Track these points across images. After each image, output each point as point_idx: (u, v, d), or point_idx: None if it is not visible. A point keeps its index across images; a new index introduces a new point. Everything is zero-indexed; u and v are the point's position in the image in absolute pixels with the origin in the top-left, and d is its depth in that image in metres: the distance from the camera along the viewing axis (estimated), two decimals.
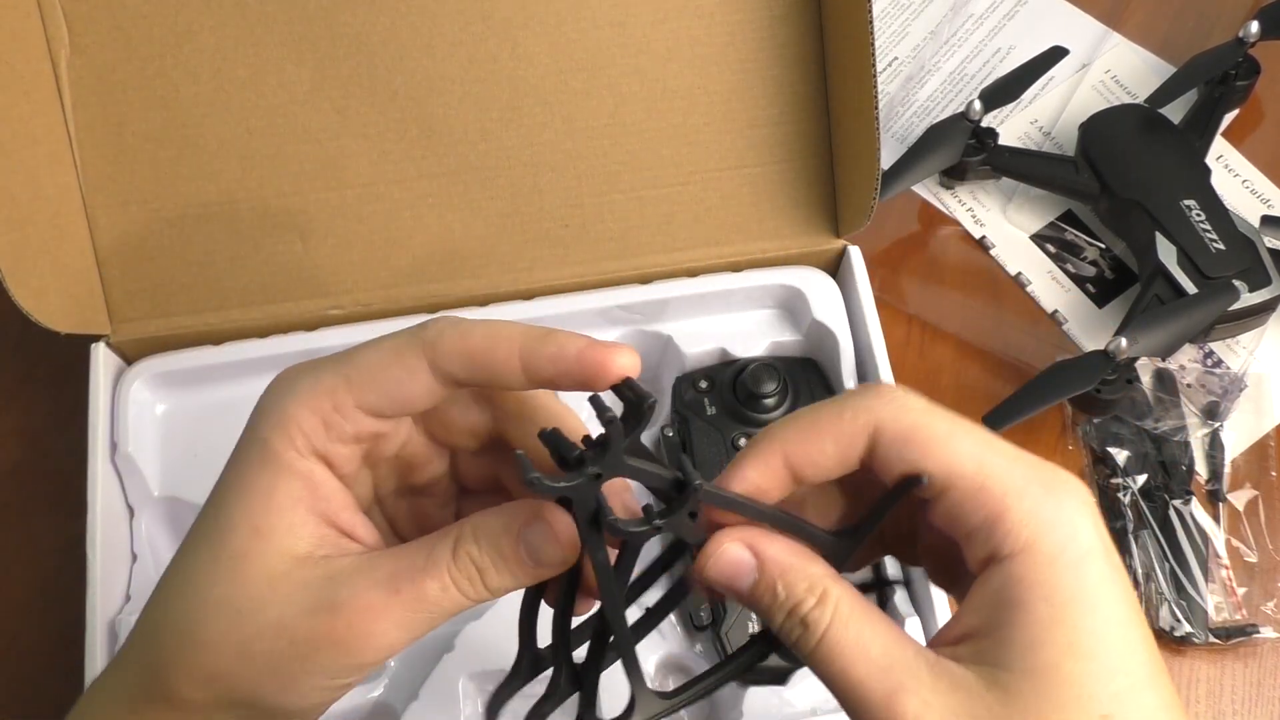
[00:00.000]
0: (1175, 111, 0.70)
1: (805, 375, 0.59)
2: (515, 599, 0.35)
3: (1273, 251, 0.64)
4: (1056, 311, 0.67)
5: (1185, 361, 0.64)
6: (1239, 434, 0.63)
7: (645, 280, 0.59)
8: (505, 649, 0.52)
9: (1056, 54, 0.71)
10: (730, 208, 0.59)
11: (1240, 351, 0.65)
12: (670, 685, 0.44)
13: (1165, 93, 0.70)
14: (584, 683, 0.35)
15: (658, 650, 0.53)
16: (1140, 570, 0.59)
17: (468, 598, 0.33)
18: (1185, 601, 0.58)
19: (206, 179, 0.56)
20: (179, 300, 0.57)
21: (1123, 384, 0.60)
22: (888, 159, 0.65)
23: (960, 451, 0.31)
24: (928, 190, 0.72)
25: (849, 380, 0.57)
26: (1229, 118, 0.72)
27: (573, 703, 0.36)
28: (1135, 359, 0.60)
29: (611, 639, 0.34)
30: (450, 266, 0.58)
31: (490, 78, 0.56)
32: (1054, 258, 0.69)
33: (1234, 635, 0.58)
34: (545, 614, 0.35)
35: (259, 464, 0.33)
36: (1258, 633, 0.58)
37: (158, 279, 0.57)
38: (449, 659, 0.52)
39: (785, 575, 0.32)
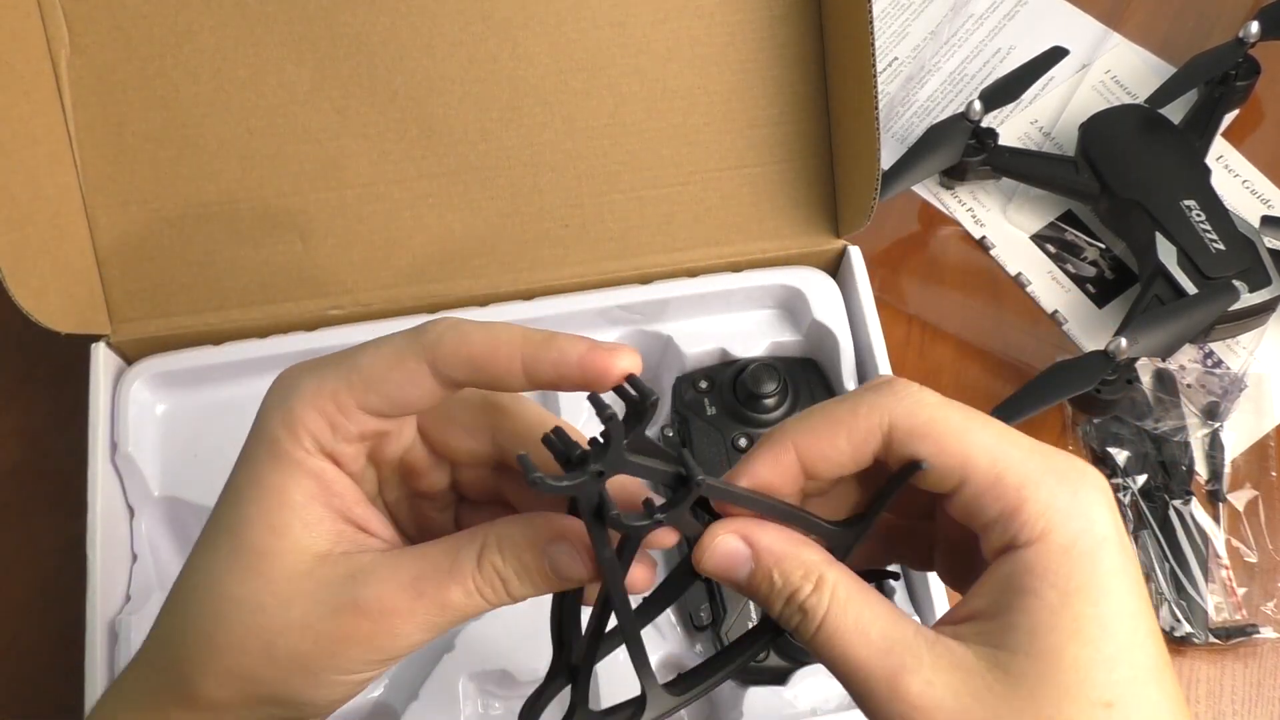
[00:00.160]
0: (1175, 111, 0.70)
1: (805, 375, 0.59)
2: None
3: (1273, 251, 0.64)
4: (1056, 311, 0.68)
5: (1185, 362, 0.64)
6: (1239, 434, 0.63)
7: (645, 280, 0.59)
8: (505, 649, 0.52)
9: (1056, 54, 0.71)
10: (730, 208, 0.59)
11: (1240, 352, 0.65)
12: None
13: (1165, 93, 0.70)
14: (578, 675, 0.35)
15: (658, 650, 0.53)
16: (1140, 570, 0.59)
17: (490, 603, 0.33)
18: (1185, 601, 0.58)
19: (206, 179, 0.56)
20: (179, 300, 0.57)
21: (1123, 384, 0.60)
22: (888, 159, 0.65)
23: (976, 444, 0.31)
24: (928, 190, 0.72)
25: (849, 380, 0.57)
26: (1229, 118, 0.72)
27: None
28: (1135, 359, 0.60)
29: (609, 630, 0.35)
30: (450, 266, 0.58)
31: (490, 78, 0.56)
32: (1054, 258, 0.69)
33: (1234, 635, 0.58)
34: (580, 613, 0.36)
35: (270, 462, 0.33)
36: (1258, 633, 0.58)
37: (158, 279, 0.57)
38: (449, 659, 0.52)
39: (780, 563, 0.32)
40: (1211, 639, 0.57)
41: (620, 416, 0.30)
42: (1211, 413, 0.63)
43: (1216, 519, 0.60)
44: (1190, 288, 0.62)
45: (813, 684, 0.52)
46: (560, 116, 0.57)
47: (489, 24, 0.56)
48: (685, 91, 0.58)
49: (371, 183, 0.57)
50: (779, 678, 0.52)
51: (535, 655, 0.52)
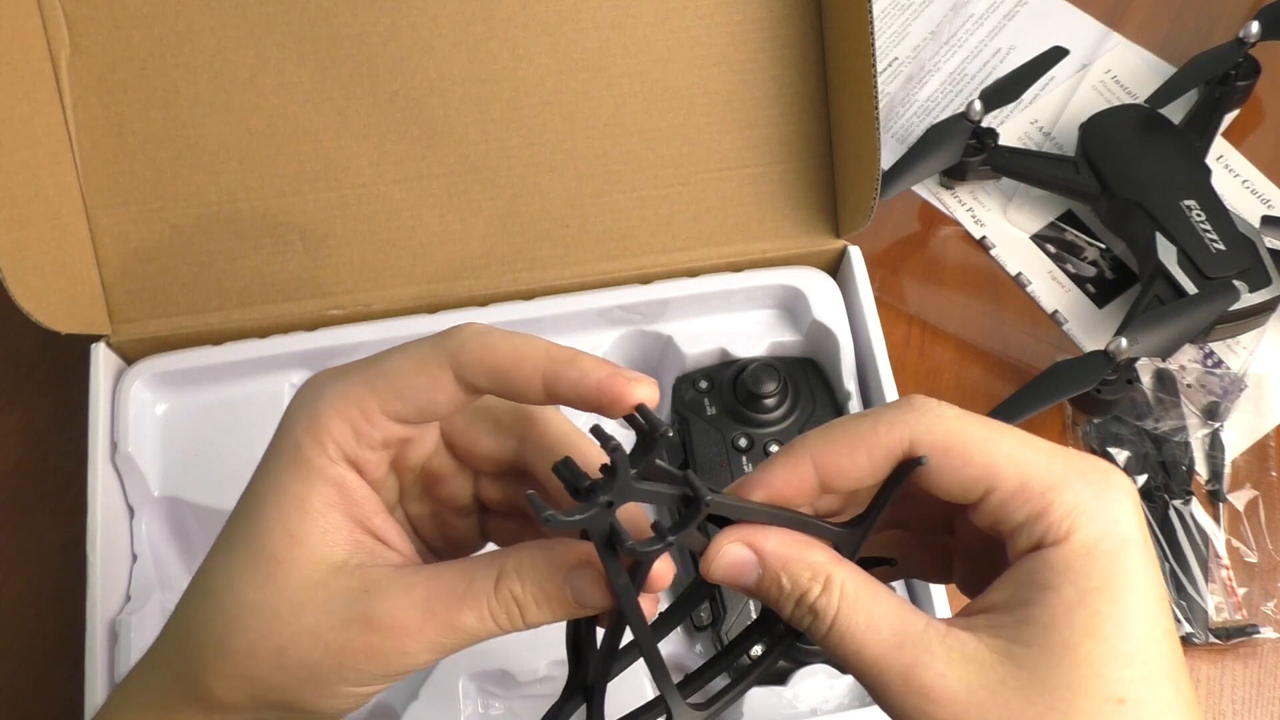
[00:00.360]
0: (1175, 111, 0.70)
1: (805, 375, 0.59)
2: None
3: (1273, 251, 0.64)
4: (1056, 311, 0.67)
5: (1185, 362, 0.64)
6: (1239, 434, 0.63)
7: (645, 280, 0.59)
8: (505, 649, 0.52)
9: (1056, 54, 0.71)
10: (730, 208, 0.59)
11: (1240, 352, 0.65)
12: None
13: (1165, 93, 0.70)
14: (592, 695, 0.36)
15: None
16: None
17: (503, 629, 0.33)
18: (1185, 602, 0.58)
19: (206, 179, 0.56)
20: (179, 300, 0.57)
21: (1123, 384, 0.60)
22: (888, 159, 0.65)
23: (999, 453, 0.32)
24: (928, 190, 0.72)
25: (849, 380, 0.57)
26: (1229, 118, 0.72)
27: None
28: (1135, 359, 0.60)
29: (623, 645, 0.35)
30: (450, 266, 0.58)
31: (490, 78, 0.57)
32: (1054, 258, 0.69)
33: (1234, 635, 0.58)
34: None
35: (292, 469, 0.33)
36: (1258, 633, 0.58)
37: (158, 279, 0.57)
38: (449, 659, 0.52)
39: (787, 566, 0.32)
40: (1211, 639, 0.57)
41: (630, 446, 0.31)
42: (1211, 413, 0.63)
43: (1216, 519, 0.60)
44: (1190, 288, 0.62)
45: (813, 684, 0.52)
46: (560, 116, 0.57)
47: (489, 24, 0.56)
48: (685, 91, 0.58)
49: (371, 183, 0.57)
50: (779, 678, 0.52)
51: (535, 655, 0.52)
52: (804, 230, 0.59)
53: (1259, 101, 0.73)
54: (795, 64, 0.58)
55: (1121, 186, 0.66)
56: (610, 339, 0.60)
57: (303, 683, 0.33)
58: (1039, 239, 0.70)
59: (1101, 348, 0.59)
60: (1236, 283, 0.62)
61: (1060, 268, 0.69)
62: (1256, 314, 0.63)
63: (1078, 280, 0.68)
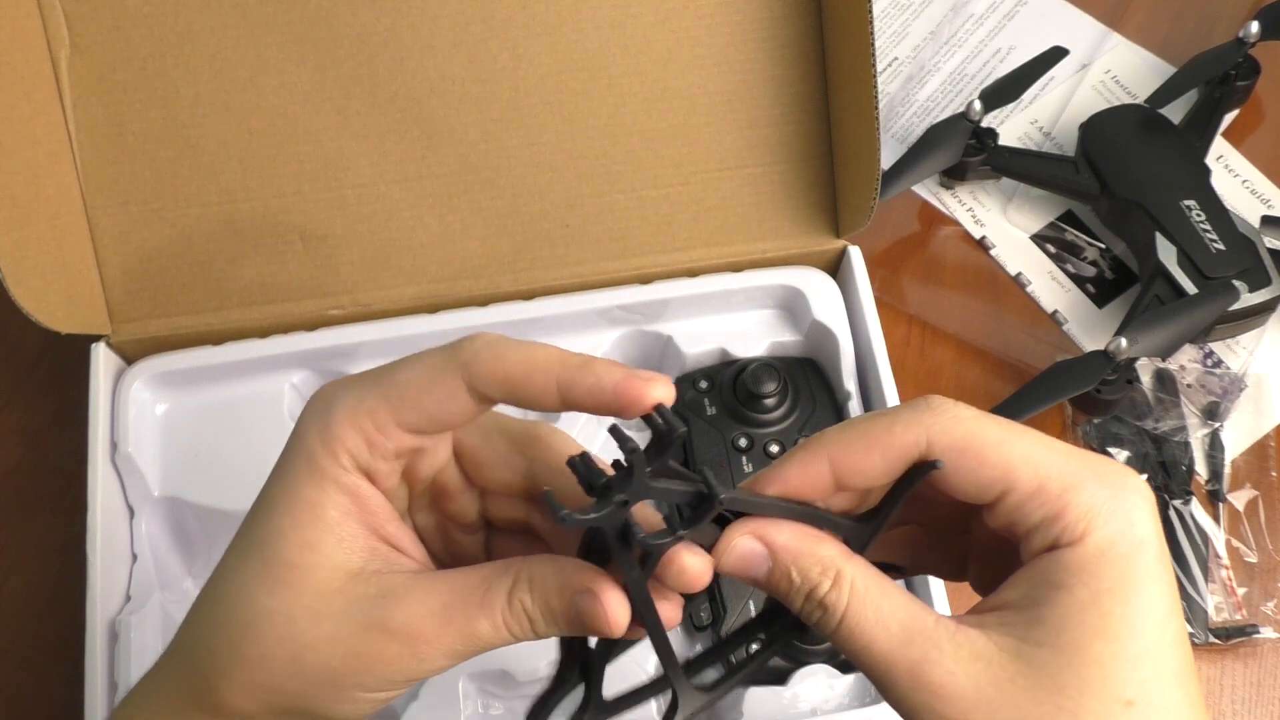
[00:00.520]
0: (1175, 111, 0.70)
1: (805, 375, 0.59)
2: None
3: (1273, 251, 0.64)
4: (1056, 311, 0.68)
5: (1185, 362, 0.64)
6: (1239, 434, 0.63)
7: (645, 280, 0.59)
8: (505, 649, 0.52)
9: (1056, 54, 0.71)
10: (730, 208, 0.59)
11: (1240, 352, 0.65)
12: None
13: (1165, 93, 0.70)
14: (590, 675, 0.36)
15: None
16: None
17: (516, 639, 0.34)
18: (1185, 602, 0.58)
19: (206, 179, 0.56)
20: (179, 300, 0.57)
21: (1123, 384, 0.60)
22: (888, 159, 0.65)
23: (1016, 455, 0.32)
24: (928, 190, 0.72)
25: (849, 380, 0.57)
26: (1229, 118, 0.72)
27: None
28: (1135, 359, 0.60)
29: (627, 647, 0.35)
30: (450, 266, 0.58)
31: (490, 78, 0.57)
32: (1054, 258, 0.69)
33: (1234, 635, 0.58)
34: None
35: (306, 477, 0.33)
36: (1258, 633, 0.58)
37: (158, 279, 0.57)
38: None
39: (797, 560, 0.33)
40: (1211, 639, 0.58)
41: (645, 443, 0.31)
42: (1211, 413, 0.63)
43: (1216, 519, 0.60)
44: (1190, 288, 0.62)
45: (813, 684, 0.52)
46: (560, 116, 0.57)
47: (489, 24, 0.56)
48: (685, 91, 0.58)
49: (371, 183, 0.57)
50: (779, 678, 0.52)
51: (535, 655, 0.52)
52: (804, 230, 0.59)
53: (1259, 101, 0.73)
54: (795, 64, 0.58)
55: (1121, 186, 0.66)
56: (610, 339, 0.60)
57: (319, 688, 0.33)
58: (1039, 239, 0.70)
59: (1101, 348, 0.59)
60: (1236, 283, 0.62)
61: (1060, 268, 0.69)
62: (1256, 314, 0.63)
63: (1078, 280, 0.68)
